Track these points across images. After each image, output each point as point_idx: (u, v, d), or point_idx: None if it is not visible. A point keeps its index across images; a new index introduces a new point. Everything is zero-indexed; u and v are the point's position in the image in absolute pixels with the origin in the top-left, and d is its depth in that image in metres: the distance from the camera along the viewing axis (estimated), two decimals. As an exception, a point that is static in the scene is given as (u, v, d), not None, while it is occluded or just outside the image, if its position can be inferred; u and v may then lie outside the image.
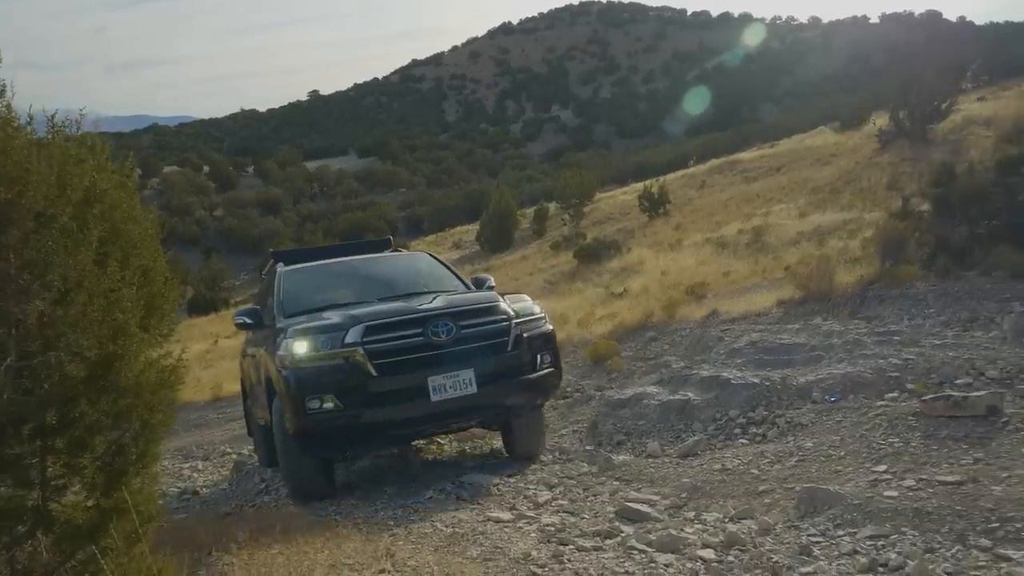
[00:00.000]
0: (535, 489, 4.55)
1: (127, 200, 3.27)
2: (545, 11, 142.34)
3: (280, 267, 6.12)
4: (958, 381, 4.96)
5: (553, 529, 3.53)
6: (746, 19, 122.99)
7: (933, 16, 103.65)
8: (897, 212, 11.36)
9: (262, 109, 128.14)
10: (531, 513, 3.93)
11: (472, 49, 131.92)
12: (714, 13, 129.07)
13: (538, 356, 5.01)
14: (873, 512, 3.21)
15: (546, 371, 5.05)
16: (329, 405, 4.55)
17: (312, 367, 4.62)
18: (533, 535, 3.45)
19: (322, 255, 6.82)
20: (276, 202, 50.08)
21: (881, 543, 2.90)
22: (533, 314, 5.15)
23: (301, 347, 4.64)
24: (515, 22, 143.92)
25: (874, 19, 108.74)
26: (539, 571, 2.88)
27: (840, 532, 3.08)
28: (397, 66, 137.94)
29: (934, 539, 2.86)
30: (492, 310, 5.00)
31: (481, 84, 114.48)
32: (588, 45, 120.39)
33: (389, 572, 2.73)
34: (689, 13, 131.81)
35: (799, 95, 71.67)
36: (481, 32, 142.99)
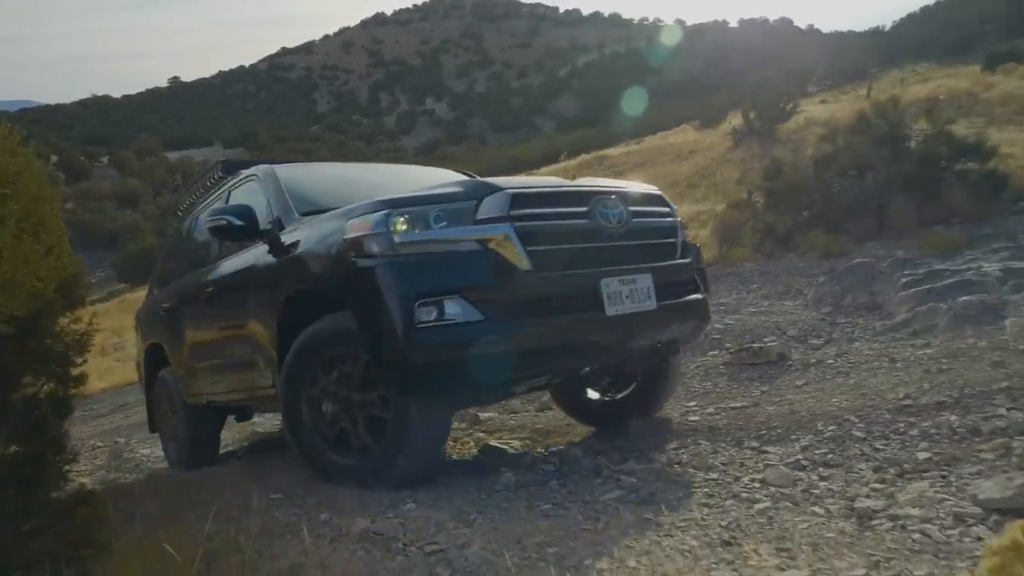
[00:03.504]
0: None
1: (35, 182, 3.62)
2: (419, 3, 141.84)
3: (267, 167, 4.55)
4: (765, 339, 5.97)
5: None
6: (616, 19, 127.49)
7: (785, 23, 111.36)
8: (735, 203, 12.77)
9: (116, 95, 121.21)
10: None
11: (344, 39, 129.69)
12: (585, 12, 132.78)
13: (695, 273, 3.81)
14: (679, 432, 4.06)
15: (704, 295, 3.83)
16: (456, 314, 2.95)
17: (424, 255, 3.02)
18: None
19: None
20: (135, 194, 47.73)
21: (681, 450, 3.73)
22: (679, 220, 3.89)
23: (399, 224, 3.04)
24: (389, 13, 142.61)
25: (733, 23, 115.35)
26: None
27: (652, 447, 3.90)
28: (266, 54, 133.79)
29: (719, 444, 3.71)
30: (660, 200, 3.78)
31: (354, 75, 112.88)
32: (462, 39, 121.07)
33: (277, 494, 3.32)
34: (561, 11, 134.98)
35: (664, 94, 75.24)
36: (354, 22, 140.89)
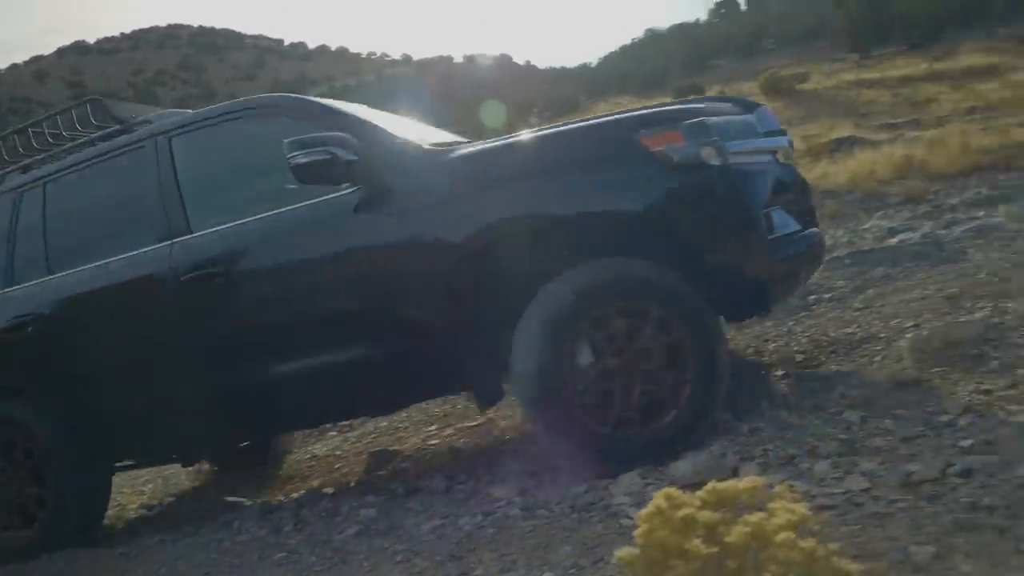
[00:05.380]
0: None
1: None
2: (128, 32, 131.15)
3: (293, 96, 3.80)
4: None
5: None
6: (343, 53, 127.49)
7: (505, 59, 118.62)
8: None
9: None
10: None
11: (38, 68, 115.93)
12: (311, 45, 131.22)
13: None
14: (422, 458, 4.11)
15: None
16: (783, 225, 2.99)
17: (748, 164, 2.97)
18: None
19: None
20: None
21: (421, 477, 3.75)
22: None
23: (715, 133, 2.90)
24: (92, 41, 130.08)
25: (458, 59, 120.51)
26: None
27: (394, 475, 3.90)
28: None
29: (458, 464, 3.81)
30: None
31: (52, 108, 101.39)
32: (179, 71, 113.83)
33: None
34: (287, 43, 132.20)
35: (397, 126, 76.28)
36: (49, 50, 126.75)
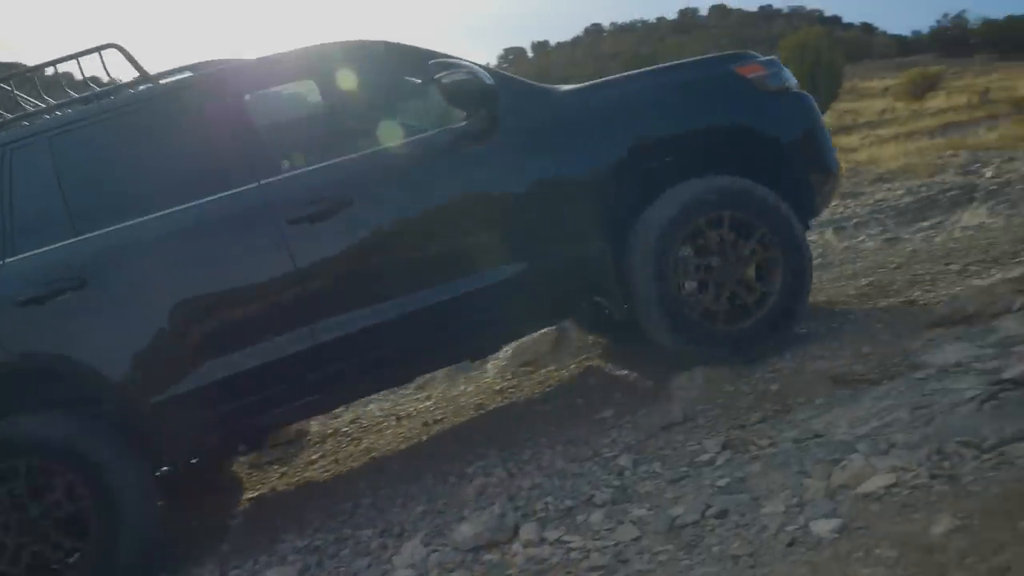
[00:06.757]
0: None
1: None
2: None
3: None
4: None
5: None
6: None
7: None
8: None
9: None
10: None
11: None
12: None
13: None
14: (195, 539, 3.77)
15: None
16: None
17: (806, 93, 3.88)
18: None
19: None
20: None
21: (194, 557, 3.43)
22: None
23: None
24: None
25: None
26: None
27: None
28: None
29: (236, 542, 3.53)
30: None
31: None
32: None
33: None
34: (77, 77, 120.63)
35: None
36: None
